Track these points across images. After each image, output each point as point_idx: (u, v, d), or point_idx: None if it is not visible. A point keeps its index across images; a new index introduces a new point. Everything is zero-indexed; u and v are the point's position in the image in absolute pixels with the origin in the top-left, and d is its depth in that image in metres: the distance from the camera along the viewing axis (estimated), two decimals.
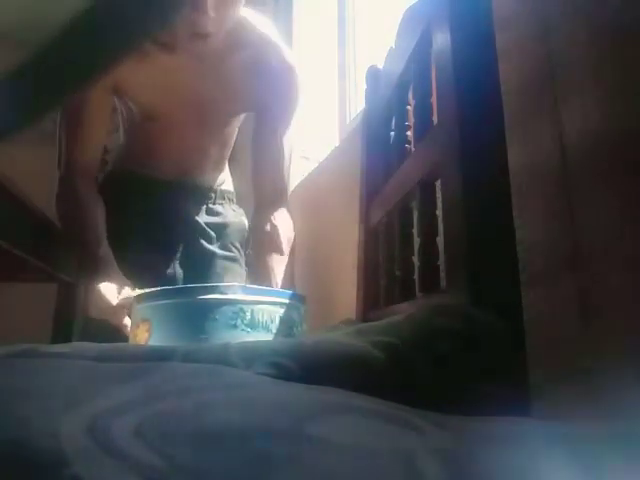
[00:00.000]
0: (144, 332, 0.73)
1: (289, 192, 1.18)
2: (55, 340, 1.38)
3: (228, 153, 1.28)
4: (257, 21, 1.08)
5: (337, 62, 1.82)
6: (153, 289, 0.78)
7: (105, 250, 1.03)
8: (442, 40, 0.69)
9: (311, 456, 0.21)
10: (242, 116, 1.22)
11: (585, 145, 0.38)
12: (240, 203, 1.36)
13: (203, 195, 1.26)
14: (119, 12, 0.20)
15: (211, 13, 0.89)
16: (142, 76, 1.03)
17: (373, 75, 1.12)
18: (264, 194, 1.13)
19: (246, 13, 1.05)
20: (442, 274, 0.69)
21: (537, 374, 0.40)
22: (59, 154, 1.10)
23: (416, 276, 0.78)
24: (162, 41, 0.97)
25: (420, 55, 0.79)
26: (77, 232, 1.06)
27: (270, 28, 1.11)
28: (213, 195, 1.27)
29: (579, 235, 0.37)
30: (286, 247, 1.09)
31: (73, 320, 1.40)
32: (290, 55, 1.13)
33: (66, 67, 0.21)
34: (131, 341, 0.77)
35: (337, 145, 1.62)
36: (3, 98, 0.21)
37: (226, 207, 1.29)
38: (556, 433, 0.28)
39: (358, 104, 1.63)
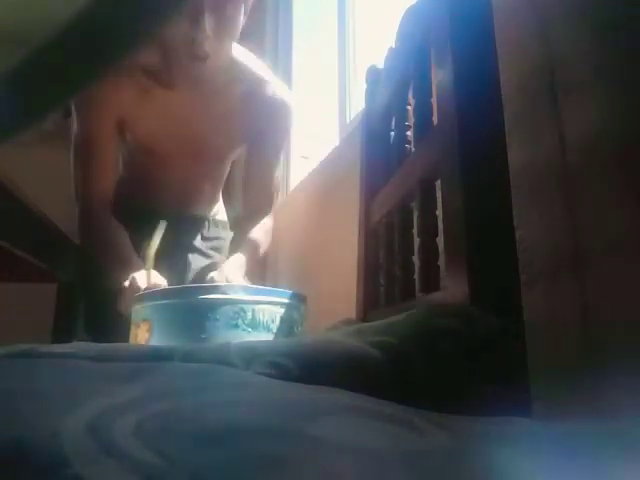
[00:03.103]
0: (145, 332, 0.73)
1: (290, 190, 1.19)
2: (55, 340, 1.38)
3: (221, 187, 1.35)
4: (251, 58, 1.15)
5: (337, 62, 1.82)
6: (154, 289, 0.78)
7: (136, 260, 1.04)
8: (442, 40, 0.69)
9: (311, 456, 0.21)
10: (236, 153, 1.27)
11: (585, 145, 0.38)
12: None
13: (198, 224, 1.32)
14: (119, 11, 0.20)
15: (209, 33, 0.94)
16: (144, 111, 1.07)
17: (373, 75, 1.12)
18: (251, 218, 1.19)
19: (240, 51, 1.12)
20: (442, 274, 0.69)
21: (537, 374, 0.40)
22: (75, 188, 1.14)
23: (416, 276, 0.78)
24: (162, 78, 1.05)
25: (420, 55, 0.79)
26: (109, 258, 1.08)
27: (263, 65, 1.18)
28: (207, 224, 1.34)
29: (579, 235, 0.37)
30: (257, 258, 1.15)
31: (73, 320, 1.40)
32: (283, 88, 1.19)
33: (66, 67, 0.21)
34: (132, 341, 0.77)
35: (337, 145, 1.62)
36: (3, 98, 0.21)
37: (220, 234, 1.36)
38: (556, 433, 0.28)
39: (358, 104, 1.63)
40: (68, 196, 1.21)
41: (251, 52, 1.16)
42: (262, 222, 1.19)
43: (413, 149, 0.84)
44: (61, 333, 1.41)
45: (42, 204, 1.19)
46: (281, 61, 2.16)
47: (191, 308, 0.71)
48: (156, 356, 0.41)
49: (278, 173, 1.24)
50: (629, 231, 0.33)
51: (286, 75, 2.13)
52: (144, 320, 0.74)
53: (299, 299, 0.80)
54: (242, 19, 1.01)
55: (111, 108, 1.06)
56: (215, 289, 0.72)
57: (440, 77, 0.70)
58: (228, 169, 1.31)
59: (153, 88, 1.05)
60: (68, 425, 0.22)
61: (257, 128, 1.15)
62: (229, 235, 1.35)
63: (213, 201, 1.34)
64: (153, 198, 1.23)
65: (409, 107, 0.89)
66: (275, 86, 1.16)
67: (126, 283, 0.95)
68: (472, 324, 0.48)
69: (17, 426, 0.22)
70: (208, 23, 0.93)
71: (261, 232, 1.17)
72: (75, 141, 1.11)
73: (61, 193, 1.24)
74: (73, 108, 1.11)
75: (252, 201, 1.20)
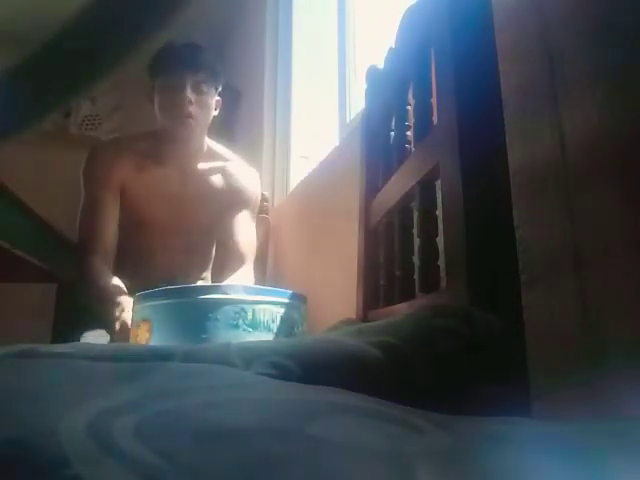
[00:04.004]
0: (145, 332, 0.73)
1: (290, 190, 1.18)
2: (55, 340, 1.38)
3: (210, 261, 1.47)
4: (221, 147, 1.44)
5: (337, 62, 1.81)
6: (154, 289, 0.78)
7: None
8: (442, 40, 0.69)
9: (311, 456, 0.21)
10: (217, 227, 1.42)
11: (585, 145, 0.38)
12: None
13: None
14: (118, 12, 0.20)
15: (190, 96, 1.25)
16: (140, 181, 1.34)
17: (373, 75, 1.12)
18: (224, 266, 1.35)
19: (213, 144, 1.41)
20: (442, 274, 0.69)
21: (537, 374, 0.40)
22: (80, 240, 1.30)
23: (416, 276, 0.78)
24: (155, 156, 1.33)
25: (420, 55, 0.79)
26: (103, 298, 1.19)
27: (228, 150, 1.46)
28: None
29: (579, 235, 0.37)
30: None
31: (73, 320, 1.40)
32: (248, 165, 1.47)
33: (67, 67, 0.21)
34: (132, 341, 0.77)
35: (337, 145, 1.62)
36: (3, 98, 0.21)
37: None
38: (556, 433, 0.28)
39: (358, 104, 1.62)
40: (67, 196, 1.21)
41: (250, 53, 1.20)
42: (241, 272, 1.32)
43: (413, 149, 0.84)
44: (61, 333, 1.41)
45: (42, 204, 1.19)
46: (281, 61, 2.16)
47: (191, 308, 0.71)
48: (156, 356, 0.41)
49: (251, 231, 1.42)
50: (628, 231, 0.33)
51: (286, 75, 2.13)
52: (144, 320, 0.74)
53: (299, 299, 0.80)
54: (213, 107, 1.31)
55: (115, 175, 1.32)
56: (215, 289, 0.72)
57: (440, 77, 0.70)
58: (214, 244, 1.44)
59: (147, 165, 1.33)
60: (68, 425, 0.22)
61: (230, 199, 1.39)
62: None
63: (203, 270, 1.45)
64: (144, 270, 1.38)
65: (409, 107, 0.89)
66: (242, 163, 1.45)
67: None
68: (472, 324, 0.48)
69: (17, 426, 0.22)
70: (189, 92, 1.24)
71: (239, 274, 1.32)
72: (84, 200, 1.32)
73: (61, 193, 1.24)
74: (82, 174, 1.33)
75: (226, 265, 1.35)
